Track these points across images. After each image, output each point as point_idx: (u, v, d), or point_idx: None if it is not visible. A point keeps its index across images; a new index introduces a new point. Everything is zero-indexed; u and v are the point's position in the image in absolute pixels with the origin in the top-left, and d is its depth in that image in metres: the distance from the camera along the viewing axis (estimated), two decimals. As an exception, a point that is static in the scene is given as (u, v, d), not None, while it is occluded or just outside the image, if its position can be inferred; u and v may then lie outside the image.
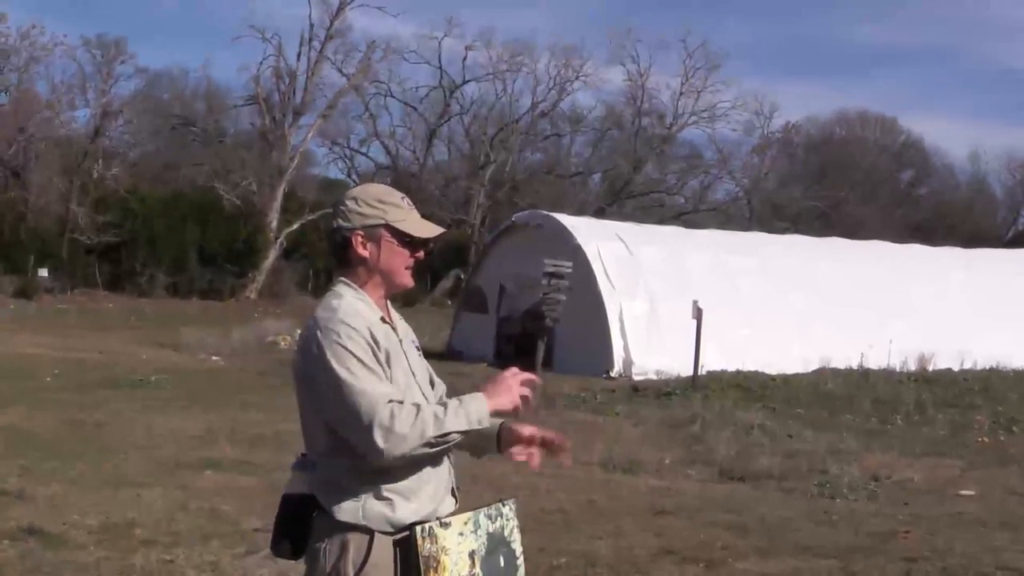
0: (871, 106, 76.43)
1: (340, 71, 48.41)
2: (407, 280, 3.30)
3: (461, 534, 3.13)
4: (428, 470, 3.15)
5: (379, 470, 3.05)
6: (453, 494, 3.27)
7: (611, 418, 15.00)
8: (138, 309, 35.77)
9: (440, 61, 51.70)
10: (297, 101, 46.82)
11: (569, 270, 20.63)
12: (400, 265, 3.27)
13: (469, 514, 3.19)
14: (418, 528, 3.04)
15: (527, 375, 3.28)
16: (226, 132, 51.14)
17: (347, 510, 3.06)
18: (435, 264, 47.59)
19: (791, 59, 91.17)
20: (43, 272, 38.52)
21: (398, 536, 3.08)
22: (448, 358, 22.55)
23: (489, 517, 3.25)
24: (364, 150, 54.83)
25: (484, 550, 3.19)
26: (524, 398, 3.28)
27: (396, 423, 2.95)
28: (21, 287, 36.48)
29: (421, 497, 3.12)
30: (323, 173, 56.27)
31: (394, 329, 3.27)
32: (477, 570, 3.15)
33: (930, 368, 21.38)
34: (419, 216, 3.32)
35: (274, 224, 44.37)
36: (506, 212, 41.95)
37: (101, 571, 6.66)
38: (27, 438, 11.20)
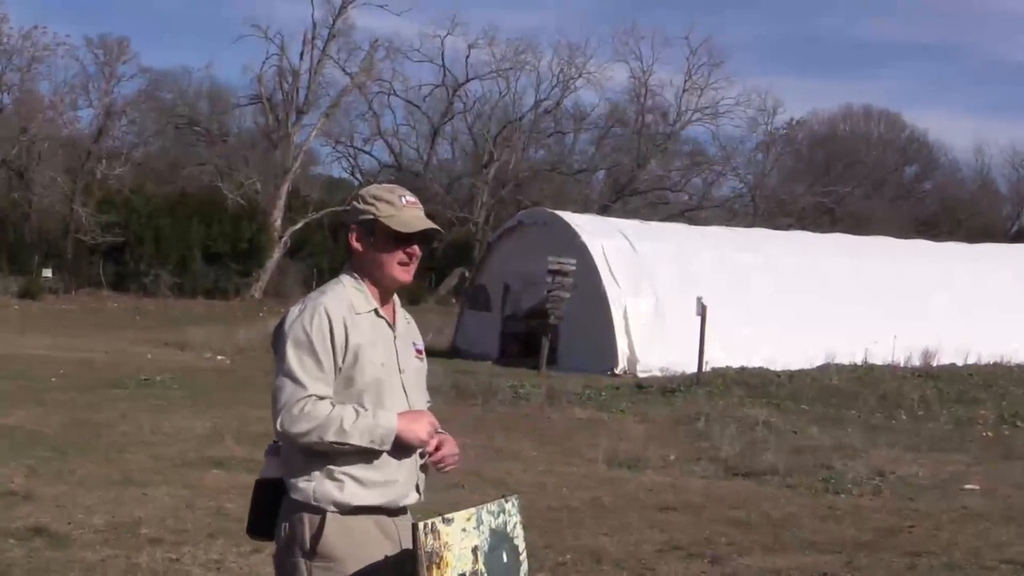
0: (875, 101, 76.48)
1: (343, 70, 48.43)
2: (399, 274, 3.40)
3: (464, 530, 3.14)
4: (388, 459, 3.27)
5: (334, 452, 3.20)
6: (417, 489, 3.40)
7: (616, 415, 15.01)
8: (143, 309, 35.82)
9: (443, 59, 51.75)
10: (300, 100, 46.83)
11: (573, 268, 20.69)
12: (389, 260, 3.38)
13: (472, 510, 3.21)
14: (420, 524, 3.06)
15: (440, 433, 3.40)
16: (230, 131, 51.17)
17: (301, 490, 3.24)
18: (439, 262, 47.62)
19: (795, 55, 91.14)
20: (47, 272, 38.55)
21: (351, 516, 3.22)
22: (452, 356, 22.57)
23: (492, 513, 3.26)
24: (368, 149, 54.93)
25: (487, 546, 3.20)
26: (439, 456, 3.40)
27: (304, 418, 3.16)
28: (25, 287, 36.48)
29: (375, 483, 3.25)
30: (327, 172, 56.40)
31: (391, 325, 3.40)
32: (480, 566, 3.16)
33: (935, 363, 21.37)
34: (416, 213, 3.41)
35: (278, 223, 44.40)
36: (510, 210, 41.99)
37: (107, 570, 6.67)
38: (33, 438, 11.21)
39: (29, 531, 7.38)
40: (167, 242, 40.78)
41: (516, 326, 23.13)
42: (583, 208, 39.77)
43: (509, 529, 3.31)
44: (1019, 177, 62.28)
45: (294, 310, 3.32)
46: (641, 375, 19.81)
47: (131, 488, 8.96)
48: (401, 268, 3.38)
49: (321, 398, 3.19)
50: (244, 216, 43.19)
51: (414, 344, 3.51)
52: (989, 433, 14.09)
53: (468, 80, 51.91)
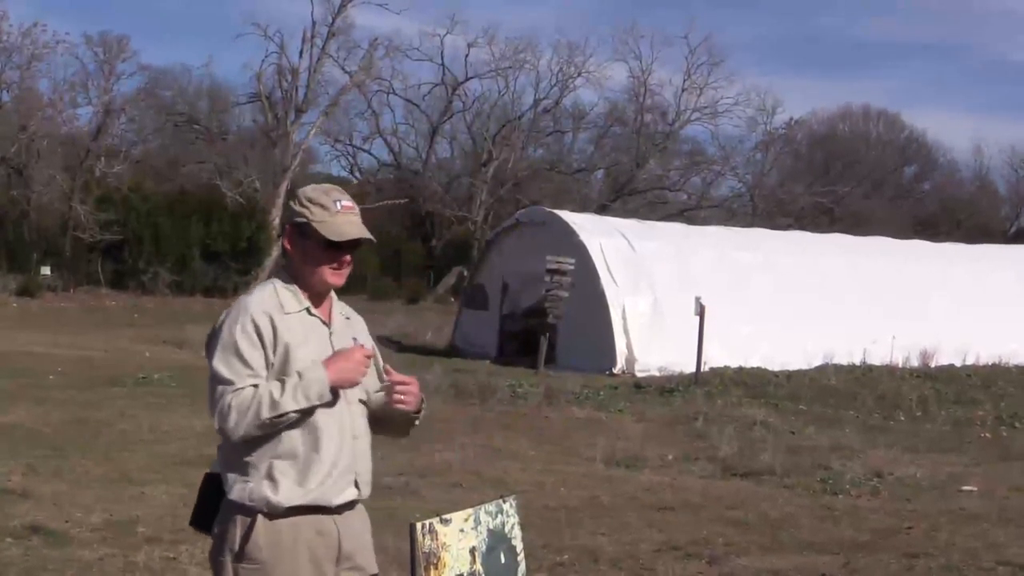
0: (874, 101, 76.40)
1: (343, 68, 48.34)
2: (328, 279, 3.38)
3: (462, 530, 3.14)
4: (320, 457, 3.26)
5: (264, 453, 3.22)
6: (356, 484, 3.36)
7: (614, 415, 15.01)
8: (141, 307, 35.79)
9: (443, 58, 51.69)
10: (300, 98, 46.74)
11: (571, 267, 20.68)
12: (319, 264, 3.36)
13: (470, 511, 3.21)
14: (418, 524, 3.06)
15: (367, 351, 3.34)
16: (229, 130, 51.11)
17: (236, 490, 3.25)
18: (438, 261, 47.59)
19: (794, 55, 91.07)
20: (46, 270, 38.48)
21: (282, 520, 3.22)
22: (451, 355, 22.56)
23: (490, 514, 3.26)
24: (367, 147, 54.89)
25: (485, 546, 3.20)
26: (404, 399, 3.38)
27: (232, 410, 3.15)
28: (24, 285, 36.41)
29: (309, 483, 3.24)
30: (326, 171, 56.21)
31: (325, 322, 3.40)
32: (478, 566, 3.16)
33: (933, 364, 21.39)
34: (350, 219, 3.38)
35: (277, 222, 44.33)
36: (509, 209, 41.94)
37: (104, 568, 6.67)
38: (31, 436, 11.21)
39: (27, 529, 7.38)
40: (166, 240, 40.74)
41: (514, 325, 23.13)
42: (582, 207, 39.75)
43: (507, 529, 3.31)
44: (1018, 178, 62.31)
45: (223, 315, 3.34)
46: (639, 375, 19.81)
47: (129, 486, 8.96)
48: (332, 272, 3.38)
49: (240, 388, 3.20)
50: (243, 215, 43.13)
51: (354, 340, 3.48)
52: (987, 434, 14.10)
53: (467, 79, 51.91)
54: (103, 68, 45.39)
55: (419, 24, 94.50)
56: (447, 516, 3.13)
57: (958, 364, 21.62)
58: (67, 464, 9.79)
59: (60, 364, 17.98)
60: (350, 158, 55.65)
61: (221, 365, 3.22)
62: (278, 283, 3.38)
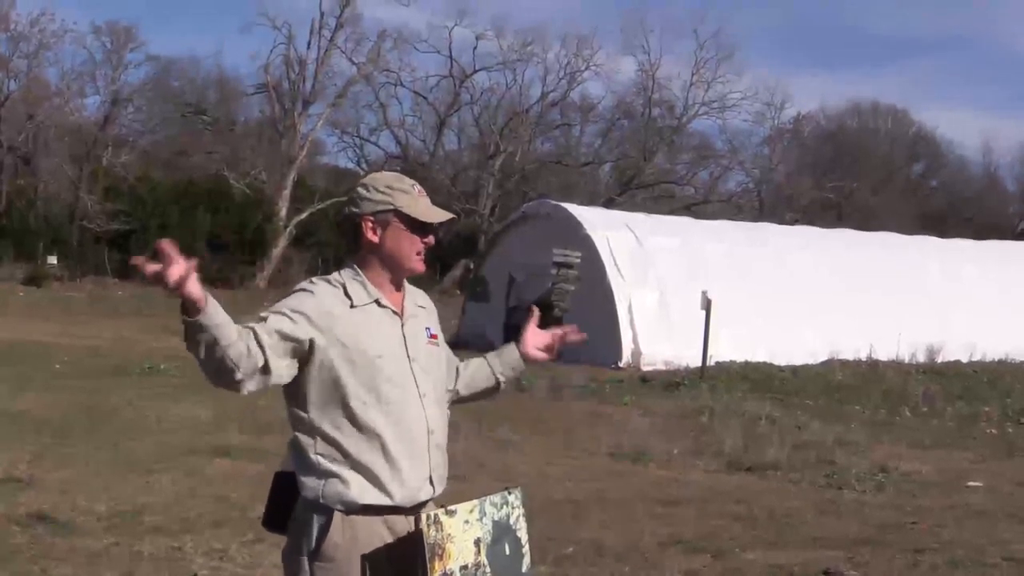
0: (883, 97, 76.25)
1: (351, 60, 48.41)
2: (416, 265, 3.35)
3: (467, 522, 3.13)
4: (394, 452, 3.16)
5: (337, 447, 3.14)
6: (431, 482, 3.27)
7: (619, 408, 15.01)
8: (148, 296, 35.75)
9: (451, 50, 51.70)
10: (307, 90, 46.81)
11: (578, 260, 20.68)
12: (409, 250, 3.32)
13: (475, 502, 3.20)
14: (423, 515, 3.06)
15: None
16: (236, 120, 51.17)
17: (310, 487, 3.15)
18: (444, 253, 47.60)
19: (803, 50, 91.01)
20: (53, 259, 38.58)
21: (357, 517, 3.12)
22: (456, 347, 22.50)
23: (495, 505, 3.25)
24: (374, 139, 54.90)
25: (489, 538, 3.19)
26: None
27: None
28: (31, 274, 36.52)
29: (385, 481, 3.15)
30: (333, 162, 56.39)
31: (396, 313, 3.33)
32: (482, 558, 3.15)
33: (939, 360, 21.36)
34: (428, 202, 3.37)
35: (284, 212, 44.39)
36: (516, 202, 41.93)
37: (110, 557, 6.68)
38: (37, 424, 11.23)
39: (32, 517, 7.39)
40: (172, 231, 40.69)
41: (520, 318, 23.05)
42: (589, 201, 39.70)
43: (512, 521, 3.31)
44: (1027, 175, 62.17)
45: (296, 287, 3.31)
46: (645, 368, 19.79)
47: (134, 475, 8.97)
48: (417, 258, 3.34)
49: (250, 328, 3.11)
50: (250, 205, 43.20)
51: (427, 330, 3.45)
52: (993, 430, 14.08)
53: (475, 71, 51.91)
54: (111, 58, 45.55)
55: (427, 16, 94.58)
56: (452, 507, 3.12)
57: (965, 360, 21.59)
58: (73, 453, 9.81)
59: (67, 353, 18.01)
60: (357, 149, 55.71)
61: (269, 313, 3.16)
62: (348, 274, 3.31)
